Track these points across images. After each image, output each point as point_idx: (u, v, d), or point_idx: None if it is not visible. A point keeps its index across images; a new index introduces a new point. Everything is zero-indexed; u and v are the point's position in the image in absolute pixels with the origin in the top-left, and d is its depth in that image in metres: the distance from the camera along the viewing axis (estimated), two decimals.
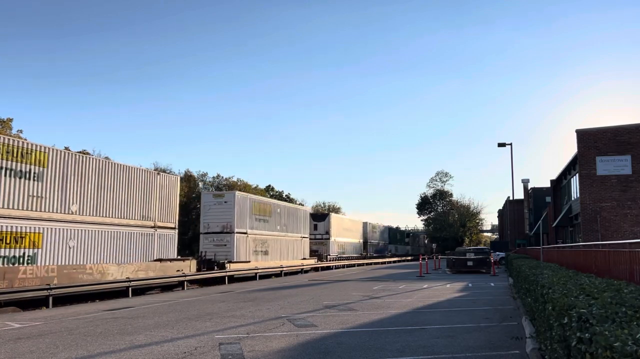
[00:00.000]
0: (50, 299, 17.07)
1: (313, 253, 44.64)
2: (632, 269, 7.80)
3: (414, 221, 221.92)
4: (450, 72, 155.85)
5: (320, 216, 51.29)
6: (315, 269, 40.96)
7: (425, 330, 10.62)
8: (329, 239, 48.94)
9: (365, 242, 61.89)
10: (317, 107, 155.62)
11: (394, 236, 79.90)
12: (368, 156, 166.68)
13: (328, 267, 44.59)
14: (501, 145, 37.97)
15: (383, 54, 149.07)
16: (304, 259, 40.54)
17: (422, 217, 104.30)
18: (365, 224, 63.56)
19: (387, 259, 65.87)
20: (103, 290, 19.72)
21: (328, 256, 46.87)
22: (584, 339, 3.62)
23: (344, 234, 53.69)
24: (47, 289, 16.98)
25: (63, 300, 18.11)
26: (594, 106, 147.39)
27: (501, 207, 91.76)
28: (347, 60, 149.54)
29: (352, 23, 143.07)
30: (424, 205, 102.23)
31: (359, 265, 52.67)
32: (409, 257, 79.19)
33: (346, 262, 50.33)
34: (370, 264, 56.51)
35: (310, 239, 44.65)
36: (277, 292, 20.70)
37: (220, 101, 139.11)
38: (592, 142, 30.21)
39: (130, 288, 20.49)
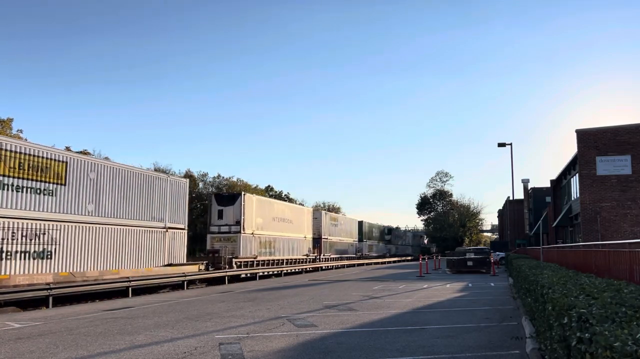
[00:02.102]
0: (50, 299, 17.07)
1: (212, 254, 30.38)
2: (632, 269, 7.80)
3: (414, 221, 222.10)
4: (450, 72, 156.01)
5: (227, 197, 33.45)
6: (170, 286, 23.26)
7: (425, 330, 10.62)
8: (239, 232, 31.73)
9: (317, 239, 45.95)
10: (317, 107, 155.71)
11: (369, 232, 66.00)
12: (368, 157, 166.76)
13: (220, 280, 26.83)
14: (501, 145, 37.98)
15: (383, 53, 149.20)
16: (170, 265, 25.48)
17: (422, 217, 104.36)
18: (318, 214, 47.82)
19: (354, 262, 52.35)
20: (105, 290, 19.68)
21: (234, 260, 30.29)
22: (584, 339, 3.62)
23: (275, 227, 36.83)
24: (47, 289, 16.98)
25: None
26: (594, 106, 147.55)
27: (501, 207, 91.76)
28: (347, 60, 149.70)
29: (352, 23, 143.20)
30: (424, 205, 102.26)
31: (286, 274, 34.75)
32: (392, 259, 68.89)
33: (267, 269, 32.83)
34: (298, 271, 37.04)
35: (212, 233, 32.18)
36: (277, 292, 20.70)
37: (221, 100, 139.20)
38: (592, 142, 30.21)
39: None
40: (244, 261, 31.46)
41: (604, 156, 29.90)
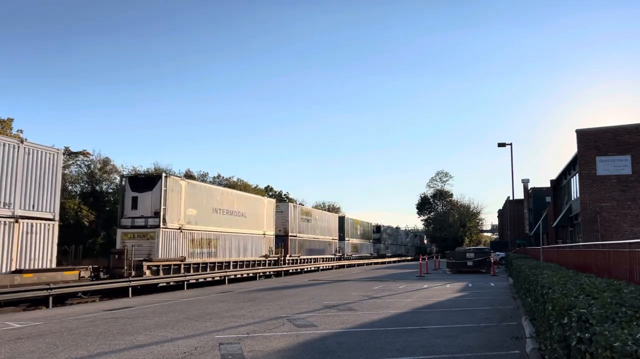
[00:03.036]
0: (50, 299, 17.07)
1: (115, 256, 22.35)
2: (632, 269, 7.80)
3: (414, 221, 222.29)
4: (450, 72, 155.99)
5: (144, 180, 25.63)
6: None
7: (425, 330, 10.63)
8: (158, 227, 24.01)
9: (283, 237, 38.67)
10: (317, 107, 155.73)
11: (353, 230, 59.11)
12: (368, 157, 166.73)
13: (122, 291, 20.68)
14: (501, 145, 37.99)
15: (383, 53, 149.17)
16: (21, 271, 17.43)
17: (422, 218, 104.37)
18: (284, 207, 40.32)
19: (332, 264, 46.90)
20: (106, 289, 19.75)
21: (146, 263, 22.56)
22: (584, 339, 3.62)
23: (218, 220, 29.06)
24: (47, 289, 16.98)
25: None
26: (594, 106, 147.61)
27: (501, 207, 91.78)
28: (347, 60, 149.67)
29: (352, 23, 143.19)
30: (424, 205, 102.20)
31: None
32: (382, 260, 63.88)
33: (198, 275, 25.59)
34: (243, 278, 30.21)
35: (123, 227, 24.59)
36: (277, 292, 20.71)
37: (220, 100, 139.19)
38: (592, 142, 30.22)
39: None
40: (164, 265, 23.78)
41: (604, 156, 29.90)
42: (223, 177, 69.60)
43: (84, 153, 45.36)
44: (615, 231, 28.96)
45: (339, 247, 52.54)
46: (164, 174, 25.22)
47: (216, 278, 27.09)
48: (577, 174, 32.17)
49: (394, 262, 68.34)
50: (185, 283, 24.30)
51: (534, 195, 56.76)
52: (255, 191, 68.23)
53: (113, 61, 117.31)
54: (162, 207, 24.25)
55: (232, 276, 28.58)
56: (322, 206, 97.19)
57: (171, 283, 23.79)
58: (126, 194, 25.15)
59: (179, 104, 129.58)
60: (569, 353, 4.24)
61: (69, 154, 44.41)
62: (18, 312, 16.08)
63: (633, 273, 7.74)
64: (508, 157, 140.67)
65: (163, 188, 24.41)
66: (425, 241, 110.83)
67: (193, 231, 26.61)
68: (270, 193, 77.40)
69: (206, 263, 27.32)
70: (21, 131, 40.23)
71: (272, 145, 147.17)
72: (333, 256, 49.54)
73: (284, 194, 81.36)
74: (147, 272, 22.60)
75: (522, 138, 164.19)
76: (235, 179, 69.81)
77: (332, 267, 46.27)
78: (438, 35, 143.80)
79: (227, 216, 30.09)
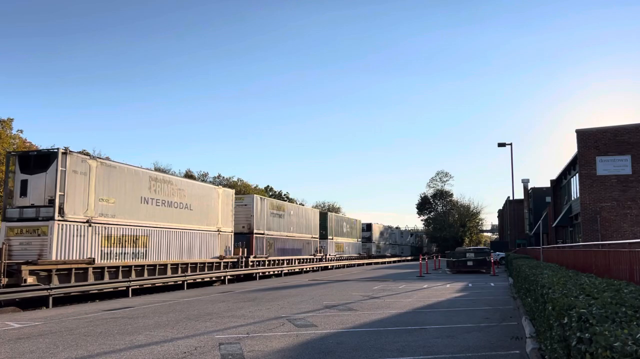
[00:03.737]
0: (50, 299, 17.06)
1: None
2: (632, 269, 7.80)
3: (414, 221, 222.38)
4: (450, 72, 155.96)
5: (36, 159, 19.48)
6: None
7: (425, 330, 10.63)
8: (52, 219, 18.44)
9: (247, 235, 33.21)
10: (318, 106, 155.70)
11: (338, 228, 54.03)
12: (368, 157, 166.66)
13: None
14: (501, 145, 37.97)
15: (382, 52, 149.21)
16: None
17: (422, 218, 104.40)
18: (249, 200, 34.37)
19: (309, 266, 40.87)
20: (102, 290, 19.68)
21: (26, 267, 17.14)
22: (584, 339, 3.62)
23: (149, 212, 23.32)
24: (47, 289, 16.97)
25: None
26: (594, 106, 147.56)
27: (501, 207, 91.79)
28: (346, 59, 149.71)
29: (351, 22, 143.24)
30: (424, 205, 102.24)
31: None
32: (373, 260, 60.47)
33: (111, 284, 19.95)
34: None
35: (9, 219, 19.10)
36: (277, 292, 20.71)
37: (220, 100, 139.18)
38: (592, 142, 30.21)
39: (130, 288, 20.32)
40: (60, 269, 18.30)
41: (604, 156, 29.89)
42: (223, 177, 69.71)
43: (84, 153, 45.39)
44: (615, 231, 28.96)
45: (320, 246, 46.72)
46: (61, 151, 19.04)
47: (146, 285, 21.70)
48: (577, 174, 32.17)
49: (393, 262, 68.38)
50: (97, 292, 19.15)
51: (534, 195, 56.75)
52: (256, 190, 68.28)
53: (113, 61, 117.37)
54: (59, 193, 18.65)
55: (172, 283, 23.47)
56: (322, 205, 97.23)
57: (72, 294, 18.23)
58: (15, 177, 19.57)
59: (178, 104, 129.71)
60: (569, 353, 4.24)
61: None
62: (18, 312, 16.09)
63: (633, 273, 7.74)
64: (508, 157, 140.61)
65: (60, 168, 18.80)
66: (425, 241, 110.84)
67: (109, 226, 20.83)
68: (270, 193, 77.42)
69: (129, 266, 21.63)
70: (21, 131, 40.15)
71: (272, 145, 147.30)
72: (312, 257, 43.79)
73: (284, 194, 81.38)
74: (30, 279, 17.26)
75: (522, 138, 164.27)
76: (235, 179, 69.92)
77: (311, 270, 40.83)
78: (437, 35, 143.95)
79: (163, 207, 24.18)
